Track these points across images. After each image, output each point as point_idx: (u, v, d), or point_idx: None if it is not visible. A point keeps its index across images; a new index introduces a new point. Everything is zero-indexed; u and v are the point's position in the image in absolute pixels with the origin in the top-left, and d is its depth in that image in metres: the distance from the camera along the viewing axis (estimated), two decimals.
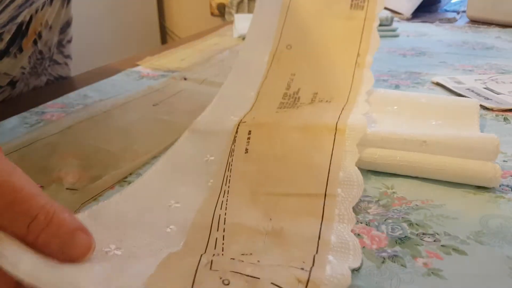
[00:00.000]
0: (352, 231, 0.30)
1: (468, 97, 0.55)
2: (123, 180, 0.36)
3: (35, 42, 0.59)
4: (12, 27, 0.54)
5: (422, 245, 0.28)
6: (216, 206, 0.31)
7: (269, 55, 0.49)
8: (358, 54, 0.48)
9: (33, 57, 0.60)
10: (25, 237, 0.21)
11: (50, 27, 0.61)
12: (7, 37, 0.54)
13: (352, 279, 0.25)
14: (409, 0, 1.23)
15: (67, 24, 0.65)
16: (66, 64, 0.68)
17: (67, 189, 0.34)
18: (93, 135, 0.44)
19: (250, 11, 1.34)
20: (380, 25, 0.98)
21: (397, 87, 0.60)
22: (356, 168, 0.33)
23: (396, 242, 0.29)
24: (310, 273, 0.23)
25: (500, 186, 0.34)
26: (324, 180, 0.32)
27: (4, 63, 0.55)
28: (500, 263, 0.27)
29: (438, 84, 0.61)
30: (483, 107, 0.51)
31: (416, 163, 0.35)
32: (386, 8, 1.16)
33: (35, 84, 0.62)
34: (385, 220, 0.31)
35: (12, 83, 0.58)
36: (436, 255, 0.27)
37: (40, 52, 0.61)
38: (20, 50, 0.57)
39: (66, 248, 0.22)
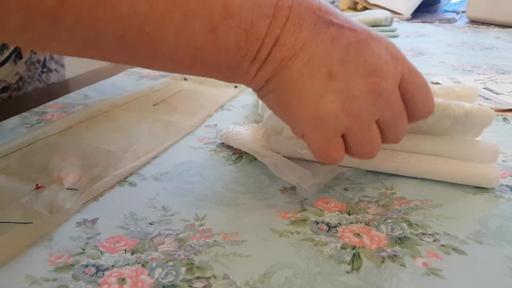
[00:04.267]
0: (351, 231, 0.30)
1: None
2: (123, 180, 0.36)
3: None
4: None
5: (422, 245, 0.28)
6: None
7: None
8: None
9: (28, 62, 0.59)
10: None
11: None
12: (12, 46, 0.54)
13: (351, 278, 0.26)
14: (408, 0, 1.23)
15: None
16: (57, 71, 0.68)
17: (67, 189, 0.34)
18: (93, 135, 0.44)
19: None
20: (380, 25, 0.99)
21: None
22: None
23: (395, 242, 0.29)
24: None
25: (499, 186, 0.35)
26: None
27: (4, 69, 0.55)
28: (499, 263, 0.27)
29: (437, 84, 0.61)
30: None
31: (416, 165, 0.36)
32: (385, 8, 1.16)
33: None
34: (384, 220, 0.31)
35: (5, 89, 0.58)
36: (435, 255, 0.27)
37: (38, 61, 0.61)
38: (20, 57, 0.57)
39: None
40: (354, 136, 0.30)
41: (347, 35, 0.29)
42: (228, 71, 0.29)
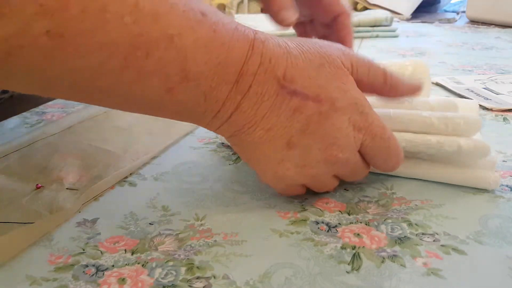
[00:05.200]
0: (351, 231, 0.30)
1: (467, 97, 0.55)
2: (123, 180, 0.36)
3: None
4: None
5: (422, 245, 0.28)
6: None
7: None
8: None
9: None
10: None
11: None
12: None
13: (351, 278, 0.26)
14: (408, 0, 1.23)
15: None
16: None
17: (67, 189, 0.34)
18: (93, 135, 0.44)
19: (250, 11, 1.34)
20: (380, 25, 0.99)
21: None
22: None
23: (395, 242, 0.29)
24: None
25: (499, 186, 0.35)
26: None
27: None
28: (499, 263, 0.27)
29: (437, 84, 0.61)
30: (482, 107, 0.51)
31: (415, 168, 0.36)
32: (385, 8, 1.17)
33: None
34: (384, 220, 0.31)
35: (7, 90, 0.58)
36: (435, 255, 0.27)
37: None
38: None
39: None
40: (311, 185, 0.32)
41: (309, 106, 0.29)
42: (190, 119, 0.29)
